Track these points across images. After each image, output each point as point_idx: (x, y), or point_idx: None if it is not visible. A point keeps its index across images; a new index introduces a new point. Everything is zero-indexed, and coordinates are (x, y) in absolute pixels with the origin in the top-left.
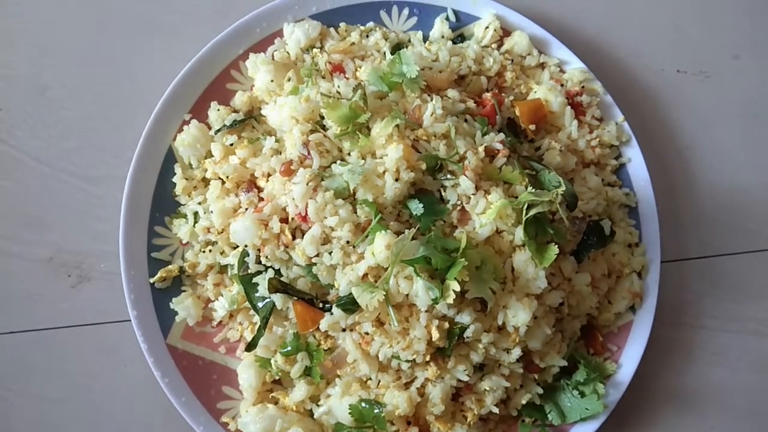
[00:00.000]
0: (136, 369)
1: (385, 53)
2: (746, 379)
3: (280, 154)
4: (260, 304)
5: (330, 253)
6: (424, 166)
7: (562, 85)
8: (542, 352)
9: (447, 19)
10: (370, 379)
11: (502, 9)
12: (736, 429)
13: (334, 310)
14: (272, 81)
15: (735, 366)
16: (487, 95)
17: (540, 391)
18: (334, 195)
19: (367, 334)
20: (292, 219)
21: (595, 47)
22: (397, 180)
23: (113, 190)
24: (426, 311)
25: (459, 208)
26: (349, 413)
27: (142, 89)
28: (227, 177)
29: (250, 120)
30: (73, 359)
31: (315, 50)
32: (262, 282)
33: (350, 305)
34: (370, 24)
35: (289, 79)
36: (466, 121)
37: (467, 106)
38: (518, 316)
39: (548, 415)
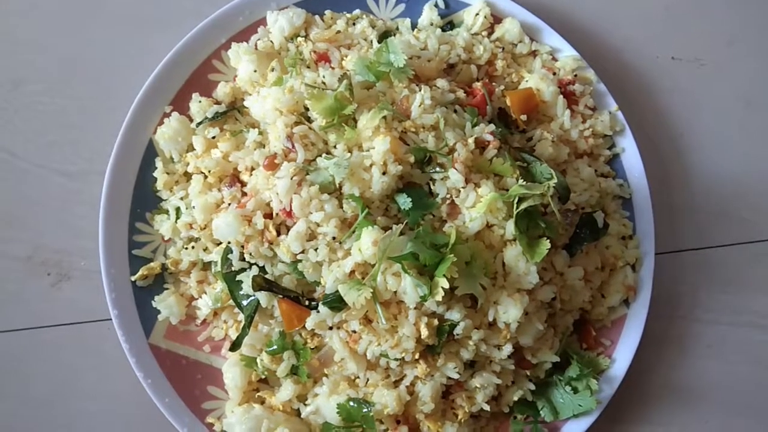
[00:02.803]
0: (118, 369)
1: (372, 42)
2: (741, 372)
3: (264, 147)
4: (245, 302)
5: (316, 250)
6: (412, 159)
7: (554, 74)
8: (534, 348)
9: (436, 5)
10: (358, 377)
11: None
12: (731, 423)
13: (321, 308)
14: (255, 71)
15: (730, 359)
16: (477, 84)
17: (532, 387)
18: (320, 189)
19: (354, 332)
20: (277, 214)
21: (588, 34)
22: (384, 173)
23: (93, 185)
24: (414, 308)
25: (448, 201)
26: (337, 412)
27: (122, 81)
28: (209, 171)
29: (233, 112)
30: (53, 360)
31: (299, 39)
32: (247, 279)
33: (337, 303)
34: (357, 11)
35: (272, 69)
36: (455, 111)
37: (457, 96)
38: (509, 312)
39: (540, 412)
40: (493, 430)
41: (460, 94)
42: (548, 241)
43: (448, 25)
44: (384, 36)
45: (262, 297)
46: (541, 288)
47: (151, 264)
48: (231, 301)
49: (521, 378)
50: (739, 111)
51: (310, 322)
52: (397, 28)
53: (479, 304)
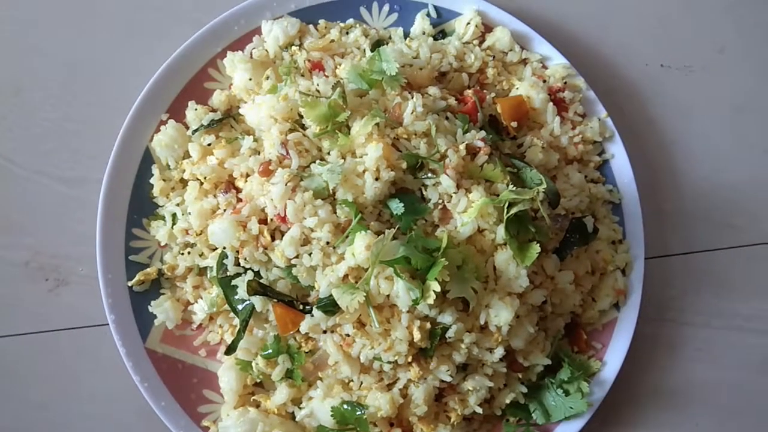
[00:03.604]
0: (115, 373)
1: (365, 50)
2: (731, 375)
3: (259, 154)
4: (240, 307)
5: (310, 255)
6: (404, 165)
7: (544, 81)
8: (526, 351)
9: (428, 15)
10: (352, 381)
11: (484, 4)
12: (721, 425)
13: (315, 311)
14: (250, 79)
15: (719, 362)
16: (469, 92)
17: (524, 390)
18: (314, 195)
19: (348, 335)
20: (271, 220)
21: (577, 42)
22: (377, 179)
23: (90, 192)
24: (407, 312)
25: (440, 206)
26: (332, 415)
27: (119, 89)
28: (205, 178)
29: (228, 119)
30: (51, 364)
31: (294, 48)
32: (242, 284)
33: (331, 307)
34: (350, 21)
35: (267, 78)
36: (447, 118)
37: (448, 103)
38: (500, 315)
39: (532, 414)
40: None
41: (452, 101)
42: (538, 245)
43: (440, 34)
44: (377, 45)
45: (257, 301)
46: (531, 291)
47: (148, 269)
48: (226, 306)
49: (513, 381)
50: (728, 117)
51: (305, 326)
52: (390, 37)
53: (471, 307)
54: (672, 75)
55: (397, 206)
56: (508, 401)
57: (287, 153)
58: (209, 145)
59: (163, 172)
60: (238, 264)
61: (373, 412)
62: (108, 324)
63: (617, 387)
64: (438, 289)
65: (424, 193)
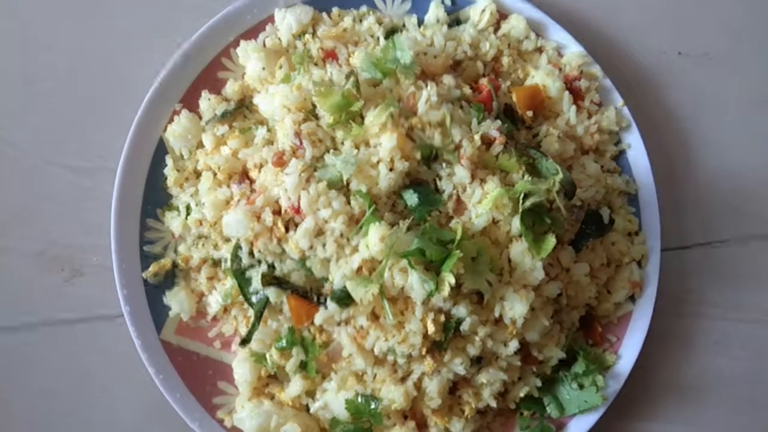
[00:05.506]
0: (130, 364)
1: (378, 39)
2: (747, 368)
3: (272, 144)
4: (254, 298)
5: (324, 246)
6: (418, 156)
7: (560, 70)
8: (540, 344)
9: (442, 2)
10: (366, 373)
11: None
12: (737, 419)
13: (329, 303)
14: (264, 69)
15: (736, 355)
16: (484, 81)
17: (538, 383)
18: (328, 186)
19: (362, 328)
20: (285, 211)
21: (593, 30)
22: (391, 170)
23: (104, 182)
24: (421, 304)
25: (455, 198)
26: (346, 408)
27: (132, 79)
28: (219, 168)
29: (242, 109)
30: (66, 355)
31: (307, 36)
32: (256, 276)
33: (345, 299)
34: (364, 8)
35: (280, 67)
36: (461, 108)
37: (463, 92)
38: (515, 308)
39: (547, 408)
40: (500, 426)
41: (467, 90)
42: (554, 237)
43: (455, 22)
44: (391, 33)
45: (271, 293)
46: (546, 284)
47: (162, 260)
48: (241, 297)
49: (527, 374)
50: (746, 106)
51: (319, 317)
52: (404, 25)
53: (485, 299)
54: (689, 63)
55: (411, 197)
56: (522, 394)
57: (301, 143)
58: (223, 135)
59: (176, 163)
60: (252, 255)
61: (387, 405)
62: (123, 315)
63: (632, 380)
64: (452, 281)
65: (439, 184)
